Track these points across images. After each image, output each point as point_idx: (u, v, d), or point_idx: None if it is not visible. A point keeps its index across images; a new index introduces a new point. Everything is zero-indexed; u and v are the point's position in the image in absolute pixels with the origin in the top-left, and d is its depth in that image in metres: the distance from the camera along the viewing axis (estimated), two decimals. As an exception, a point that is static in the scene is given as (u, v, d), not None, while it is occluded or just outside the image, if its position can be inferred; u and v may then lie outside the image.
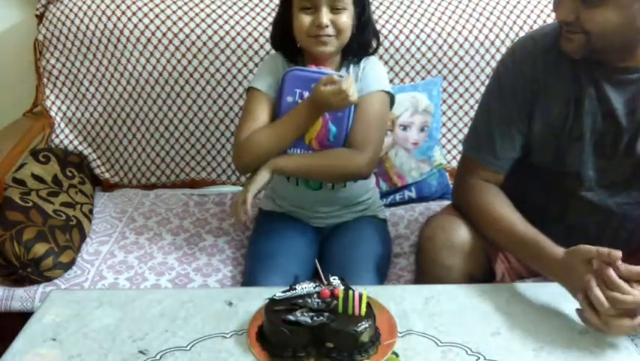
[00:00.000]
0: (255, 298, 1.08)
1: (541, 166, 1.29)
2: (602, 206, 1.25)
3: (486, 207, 1.25)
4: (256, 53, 1.82)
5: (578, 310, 1.03)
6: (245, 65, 1.84)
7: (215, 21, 1.84)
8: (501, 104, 1.28)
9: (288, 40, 1.40)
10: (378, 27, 1.81)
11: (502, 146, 1.28)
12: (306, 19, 1.31)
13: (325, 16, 1.29)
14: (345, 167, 1.35)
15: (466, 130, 1.91)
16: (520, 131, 1.27)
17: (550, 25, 1.29)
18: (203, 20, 1.84)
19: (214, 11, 1.85)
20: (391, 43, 1.84)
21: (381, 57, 1.83)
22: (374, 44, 1.44)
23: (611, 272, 0.99)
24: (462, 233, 1.26)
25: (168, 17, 1.84)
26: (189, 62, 1.84)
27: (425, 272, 1.28)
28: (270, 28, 1.46)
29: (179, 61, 1.84)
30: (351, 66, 1.41)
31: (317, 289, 1.00)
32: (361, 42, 1.40)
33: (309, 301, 0.98)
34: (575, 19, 1.12)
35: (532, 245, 1.14)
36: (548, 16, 1.88)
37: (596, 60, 1.18)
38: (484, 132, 1.31)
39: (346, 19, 1.32)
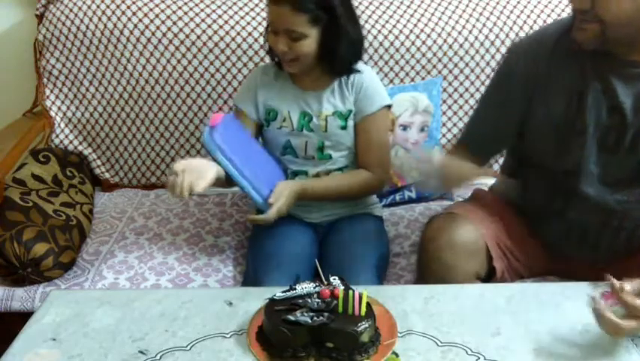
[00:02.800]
0: (255, 298, 1.08)
1: (542, 162, 1.29)
2: (602, 203, 1.25)
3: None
4: (256, 52, 1.82)
5: (595, 308, 0.96)
6: (245, 65, 1.84)
7: (215, 21, 1.84)
8: (497, 98, 1.31)
9: None
10: (378, 27, 1.83)
11: (493, 138, 1.32)
12: (273, 40, 1.36)
13: (281, 43, 1.33)
14: (365, 189, 1.47)
15: (466, 130, 1.91)
16: (515, 123, 1.29)
17: (553, 24, 1.29)
18: (203, 20, 1.84)
19: (214, 11, 1.85)
20: (391, 44, 1.84)
21: (381, 57, 1.84)
22: (356, 52, 1.41)
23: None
24: (464, 233, 1.26)
25: (168, 17, 1.84)
26: (189, 62, 1.84)
27: (428, 272, 1.27)
28: None
29: (179, 61, 1.84)
30: (342, 85, 1.42)
31: (317, 289, 1.00)
32: (337, 58, 1.37)
33: (309, 301, 0.98)
34: (591, 8, 1.11)
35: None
36: (548, 16, 1.88)
37: (606, 52, 1.18)
38: (477, 123, 1.35)
39: (305, 47, 1.33)
